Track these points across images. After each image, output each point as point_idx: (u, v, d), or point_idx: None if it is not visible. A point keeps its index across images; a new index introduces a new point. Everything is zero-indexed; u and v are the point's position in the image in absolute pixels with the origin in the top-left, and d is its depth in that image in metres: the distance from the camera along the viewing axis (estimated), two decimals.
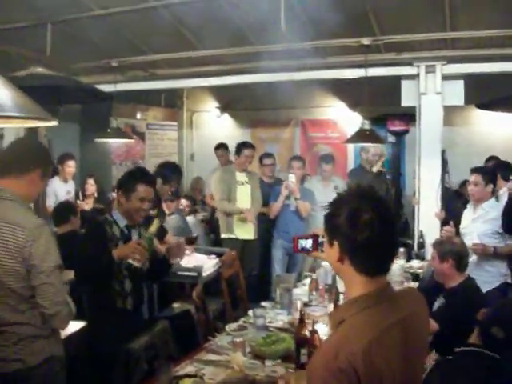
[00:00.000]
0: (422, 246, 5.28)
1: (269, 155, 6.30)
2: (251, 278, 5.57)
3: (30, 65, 3.87)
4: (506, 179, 4.55)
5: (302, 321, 2.73)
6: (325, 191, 5.89)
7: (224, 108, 8.98)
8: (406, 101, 5.44)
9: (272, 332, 3.12)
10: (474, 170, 4.48)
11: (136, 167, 4.07)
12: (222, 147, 7.18)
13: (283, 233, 5.69)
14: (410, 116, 6.13)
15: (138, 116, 8.21)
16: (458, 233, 4.48)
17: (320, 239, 1.87)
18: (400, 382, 1.44)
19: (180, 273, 4.54)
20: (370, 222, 1.46)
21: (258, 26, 4.43)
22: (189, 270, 4.63)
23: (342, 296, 3.44)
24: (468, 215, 4.56)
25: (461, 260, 3.39)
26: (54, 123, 1.82)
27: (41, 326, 2.30)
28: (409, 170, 7.01)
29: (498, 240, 4.29)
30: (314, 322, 2.67)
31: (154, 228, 3.30)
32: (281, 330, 3.22)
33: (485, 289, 3.75)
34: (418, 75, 5.28)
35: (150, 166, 6.33)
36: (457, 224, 4.59)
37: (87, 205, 6.42)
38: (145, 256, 3.20)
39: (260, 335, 3.01)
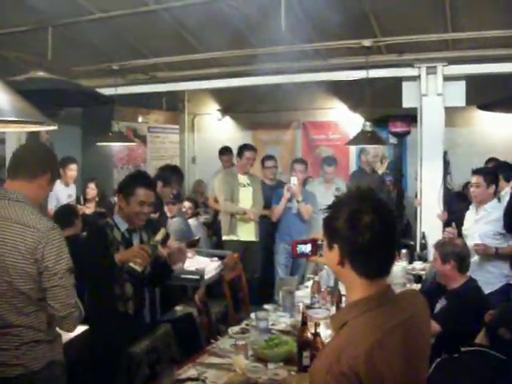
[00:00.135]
0: (424, 247, 5.26)
1: (270, 157, 6.29)
2: (253, 280, 5.56)
3: (31, 69, 3.88)
4: (508, 180, 4.54)
5: (304, 323, 2.73)
6: (327, 193, 5.88)
7: (225, 110, 8.98)
8: (408, 102, 5.43)
9: (274, 335, 3.11)
10: (476, 172, 4.46)
11: (136, 171, 4.07)
12: (227, 152, 7.04)
13: (285, 235, 5.69)
14: (411, 117, 6.10)
15: (140, 119, 8.22)
16: (460, 234, 4.46)
17: (319, 242, 1.87)
18: (401, 383, 1.43)
19: (182, 276, 4.55)
20: (371, 223, 1.45)
21: (258, 28, 4.42)
22: (191, 272, 4.63)
23: (344, 298, 3.43)
24: (470, 217, 4.55)
25: (462, 261, 3.38)
26: (54, 127, 1.82)
27: (45, 331, 2.29)
28: (411, 172, 6.99)
29: (500, 241, 4.27)
30: (316, 325, 2.66)
31: (159, 237, 3.32)
32: (283, 332, 3.21)
33: (487, 290, 3.73)
34: (419, 76, 5.26)
35: (152, 169, 6.34)
36: (459, 225, 4.58)
37: (88, 209, 6.41)
38: (146, 261, 3.20)
39: (262, 338, 3.00)
